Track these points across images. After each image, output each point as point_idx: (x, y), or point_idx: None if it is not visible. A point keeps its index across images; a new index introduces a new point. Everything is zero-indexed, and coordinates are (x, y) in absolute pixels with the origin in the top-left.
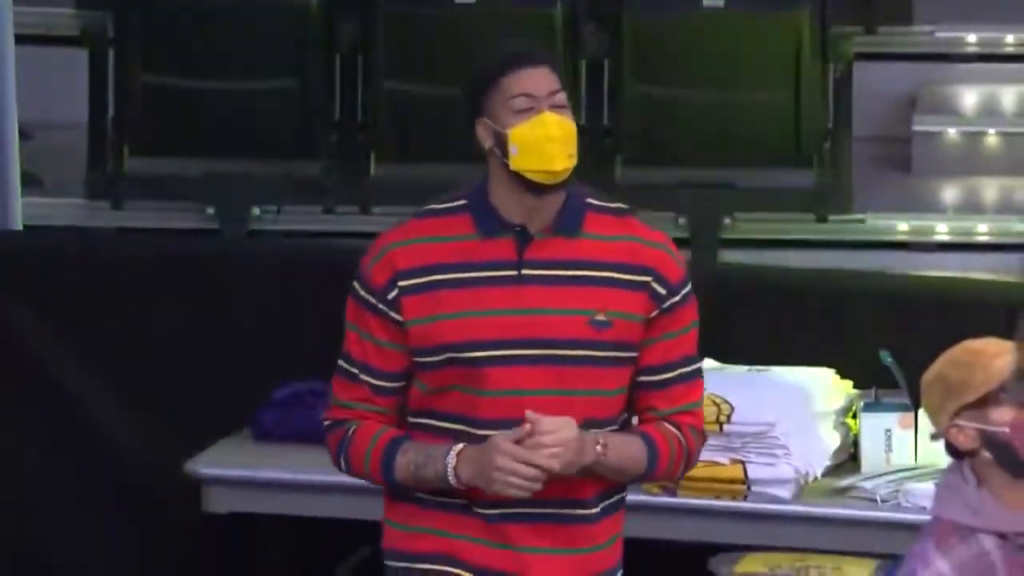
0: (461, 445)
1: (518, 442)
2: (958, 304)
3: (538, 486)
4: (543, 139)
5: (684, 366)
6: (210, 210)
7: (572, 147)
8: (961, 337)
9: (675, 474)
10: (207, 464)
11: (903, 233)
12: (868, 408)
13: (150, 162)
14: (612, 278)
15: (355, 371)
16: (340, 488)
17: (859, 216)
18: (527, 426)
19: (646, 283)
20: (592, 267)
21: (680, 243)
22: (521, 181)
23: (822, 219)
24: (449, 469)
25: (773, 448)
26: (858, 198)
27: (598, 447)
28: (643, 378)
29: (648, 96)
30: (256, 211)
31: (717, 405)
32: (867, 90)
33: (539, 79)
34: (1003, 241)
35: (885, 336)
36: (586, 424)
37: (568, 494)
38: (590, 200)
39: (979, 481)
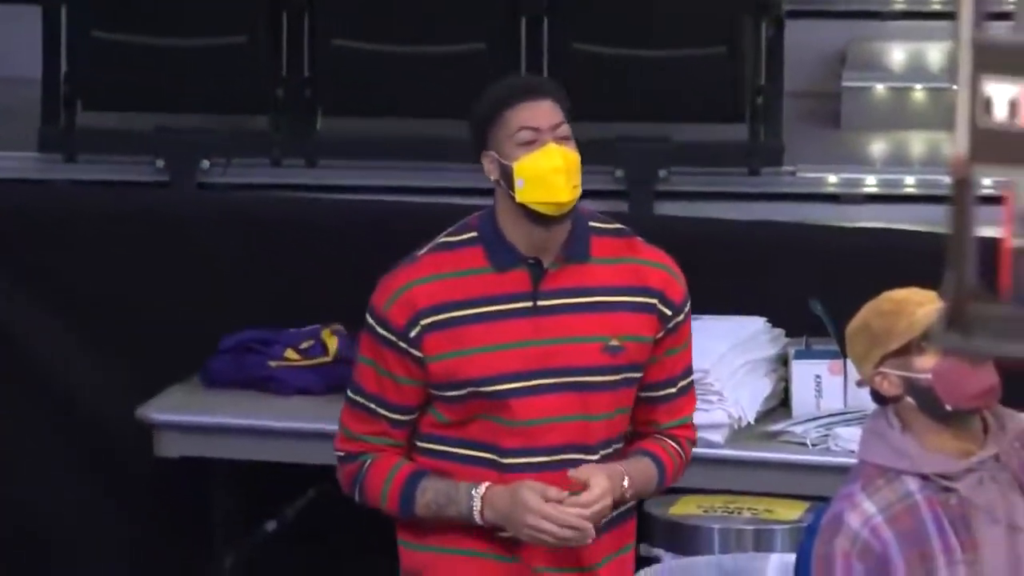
0: (484, 486)
1: (550, 497)
2: (885, 255)
3: (572, 542)
4: (548, 171)
5: (683, 379)
6: (160, 163)
7: (576, 178)
8: (888, 287)
9: (669, 485)
10: (158, 410)
11: (832, 186)
12: (799, 355)
13: (102, 116)
14: (621, 302)
15: (372, 405)
16: (288, 433)
17: (790, 169)
18: (562, 492)
19: (653, 305)
20: (602, 292)
21: (617, 196)
22: (527, 213)
23: (754, 172)
24: (475, 512)
25: (707, 394)
26: (789, 152)
27: (624, 484)
28: (646, 393)
29: (586, 53)
30: (205, 164)
31: None
32: (798, 47)
33: (543, 112)
34: (930, 193)
35: (815, 285)
36: (601, 444)
37: None
38: (592, 224)
39: (903, 426)
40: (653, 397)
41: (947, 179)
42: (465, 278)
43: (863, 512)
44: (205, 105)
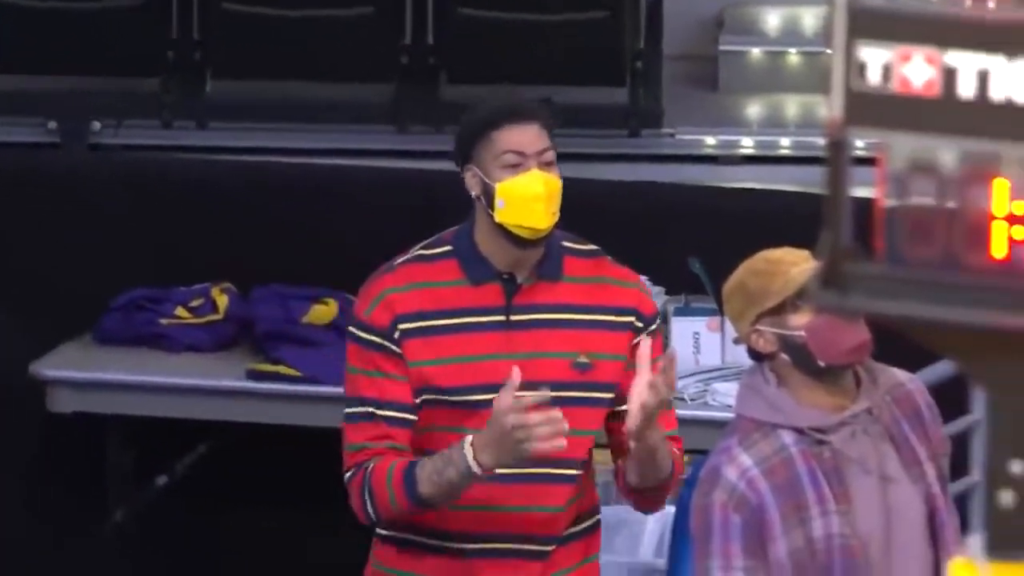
0: (471, 436)
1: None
2: (761, 215)
3: (563, 425)
4: (530, 197)
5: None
6: (51, 124)
7: (556, 205)
8: (763, 246)
9: (668, 494)
10: (51, 366)
11: (710, 148)
12: (678, 312)
13: None
14: (592, 320)
15: (369, 409)
16: (179, 389)
17: (669, 131)
18: (514, 378)
19: (629, 323)
20: (573, 311)
21: None
22: (505, 233)
23: (634, 134)
24: (469, 460)
25: None
26: (668, 115)
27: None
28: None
29: (470, 17)
30: (96, 126)
31: None
32: (676, 12)
33: (529, 136)
34: (805, 155)
35: (694, 245)
36: (563, 464)
37: (539, 530)
38: (565, 243)
39: (778, 381)
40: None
41: (822, 141)
42: (441, 289)
43: (740, 465)
44: (96, 68)
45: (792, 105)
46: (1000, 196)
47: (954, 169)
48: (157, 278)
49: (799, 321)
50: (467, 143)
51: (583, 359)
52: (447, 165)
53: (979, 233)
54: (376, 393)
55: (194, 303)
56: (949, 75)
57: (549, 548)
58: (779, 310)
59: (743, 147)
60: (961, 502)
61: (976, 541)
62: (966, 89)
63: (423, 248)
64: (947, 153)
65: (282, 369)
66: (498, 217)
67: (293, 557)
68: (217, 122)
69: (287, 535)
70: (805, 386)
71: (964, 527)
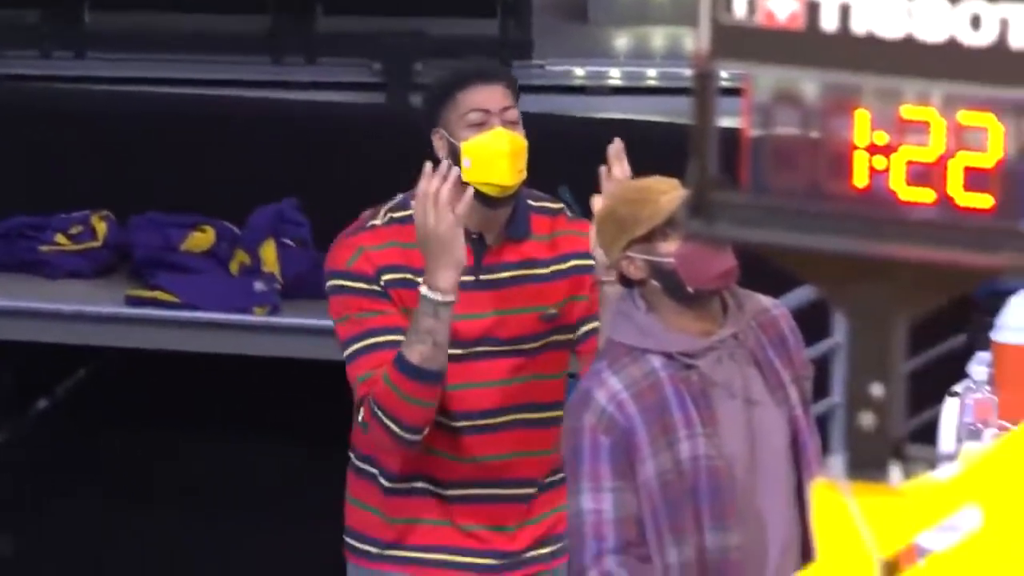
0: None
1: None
2: (630, 145)
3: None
4: (495, 154)
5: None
6: None
7: (522, 162)
8: (632, 175)
9: None
10: None
11: (580, 78)
12: None
13: None
14: (556, 271)
15: (368, 342)
16: (59, 315)
17: (539, 63)
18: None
19: (588, 266)
20: (538, 265)
21: (374, 88)
22: (482, 199)
23: (505, 64)
24: (430, 296)
25: None
26: (538, 46)
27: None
28: (571, 336)
29: None
30: None
31: None
32: None
33: (493, 95)
34: (671, 85)
35: (564, 174)
36: (545, 407)
37: (525, 474)
38: (530, 202)
39: (648, 307)
40: (592, 330)
41: (689, 72)
42: (414, 250)
43: (609, 388)
44: None
45: (659, 37)
46: (861, 127)
47: (817, 100)
48: (37, 206)
49: (668, 248)
50: (433, 107)
51: (552, 311)
52: (323, 96)
53: (841, 163)
54: (369, 327)
55: (73, 230)
56: (812, 8)
57: (531, 491)
58: (649, 237)
59: (612, 78)
60: (822, 423)
61: (837, 461)
62: (829, 22)
63: (391, 211)
64: (810, 84)
65: (160, 295)
66: (465, 176)
67: (170, 475)
68: (95, 52)
69: (165, 455)
70: (674, 312)
71: (825, 448)
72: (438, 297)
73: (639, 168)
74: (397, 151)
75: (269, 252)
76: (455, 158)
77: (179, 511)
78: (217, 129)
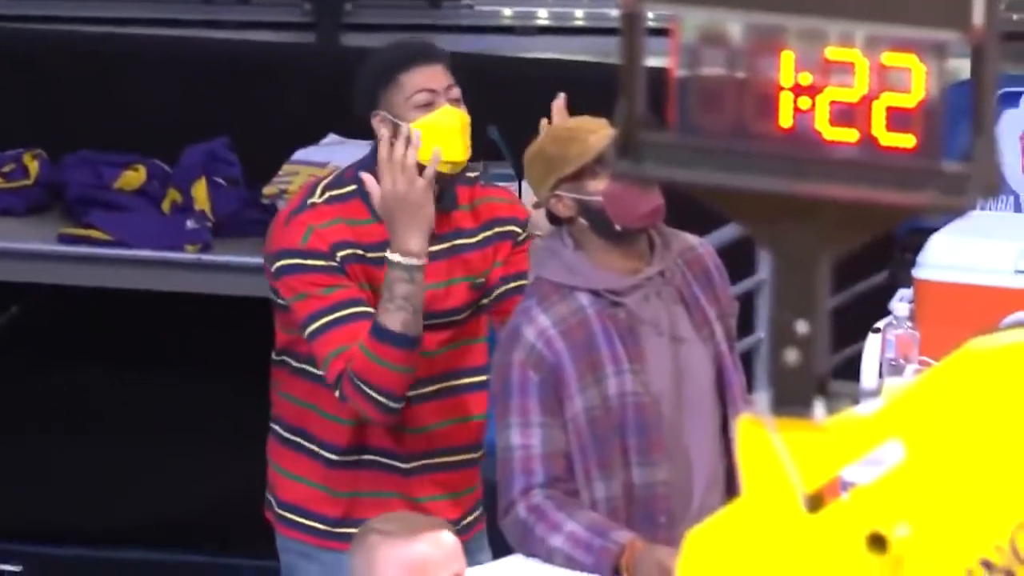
0: (386, 252)
1: None
2: (558, 84)
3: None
4: (447, 131)
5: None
6: None
7: (468, 138)
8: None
9: None
10: None
11: (508, 19)
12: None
13: None
14: (483, 239)
15: (332, 317)
16: None
17: (468, 3)
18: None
19: (510, 232)
20: (467, 235)
21: (305, 28)
22: (421, 171)
23: (435, 5)
24: (403, 261)
25: None
26: None
27: None
28: (487, 300)
29: None
30: None
31: None
32: None
33: (437, 75)
34: (599, 25)
35: (493, 114)
36: (473, 371)
37: (466, 439)
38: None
39: (576, 245)
40: (507, 291)
41: (616, 13)
42: (354, 227)
43: (538, 325)
44: None
45: None
46: (786, 68)
47: (743, 41)
48: None
49: (597, 187)
50: (373, 89)
51: (480, 280)
52: (253, 35)
53: (766, 103)
54: (334, 299)
55: (6, 169)
56: None
57: (476, 456)
58: (578, 176)
59: (540, 18)
60: (747, 360)
61: (762, 398)
62: None
63: (328, 188)
64: (736, 26)
65: (93, 233)
66: (417, 156)
67: (104, 407)
68: None
69: (98, 388)
70: (602, 250)
71: (750, 385)
72: (413, 261)
73: (568, 108)
74: (327, 91)
75: (200, 191)
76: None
77: (114, 441)
78: (149, 68)
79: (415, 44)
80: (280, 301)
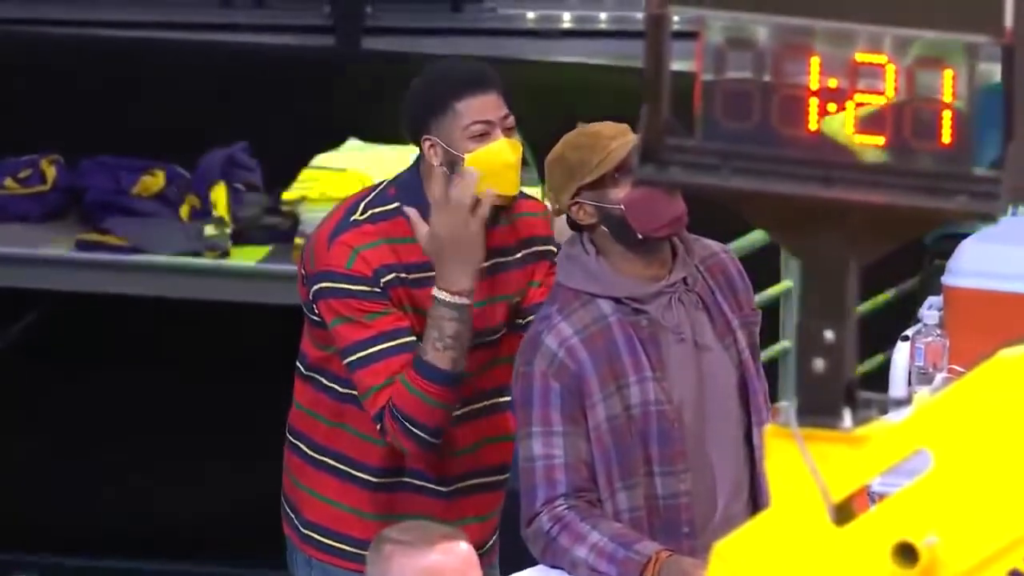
0: (433, 290)
1: None
2: (581, 89)
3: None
4: (502, 166)
5: None
6: None
7: (520, 168)
8: (583, 120)
9: None
10: None
11: (531, 22)
12: None
13: None
14: (521, 258)
15: (379, 347)
16: (9, 259)
17: (491, 5)
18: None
19: (545, 252)
20: (506, 253)
21: (325, 31)
22: (493, 195)
23: (457, 9)
24: (453, 301)
25: None
26: None
27: None
28: (521, 320)
29: None
30: None
31: (363, 182)
32: None
33: (492, 105)
34: (623, 29)
35: (515, 118)
36: (503, 390)
37: (493, 459)
38: None
39: (598, 252)
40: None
41: (641, 15)
42: (398, 245)
43: (560, 333)
44: None
45: None
46: (814, 71)
47: (769, 44)
48: None
49: (618, 194)
50: (425, 115)
51: (516, 298)
52: (272, 39)
53: (794, 107)
54: (379, 328)
55: (22, 174)
56: None
57: (504, 477)
58: (599, 183)
59: (563, 22)
60: (773, 369)
61: (789, 407)
62: None
63: (371, 206)
64: (762, 28)
65: (110, 239)
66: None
67: (120, 414)
68: None
69: (115, 395)
70: (623, 257)
71: (774, 395)
72: (462, 301)
73: (589, 113)
74: (347, 95)
75: (220, 196)
76: (454, 169)
77: (129, 450)
78: (167, 73)
79: (472, 70)
80: (316, 318)
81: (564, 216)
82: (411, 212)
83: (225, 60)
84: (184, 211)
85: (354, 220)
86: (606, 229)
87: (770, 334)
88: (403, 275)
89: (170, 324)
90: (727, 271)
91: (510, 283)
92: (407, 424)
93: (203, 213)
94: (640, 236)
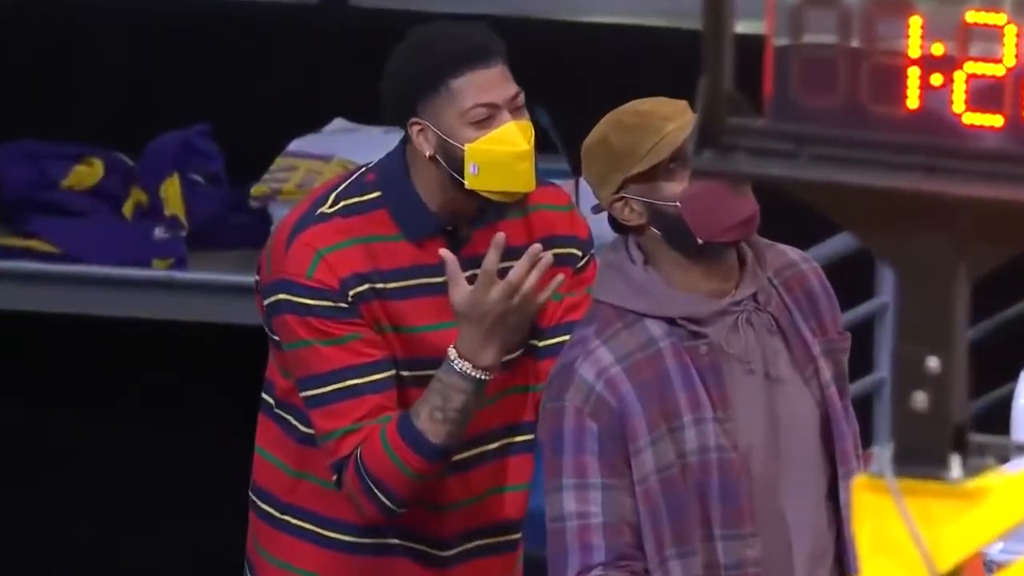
0: (452, 351)
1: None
2: (625, 53)
3: (547, 257)
4: (511, 158)
5: None
6: None
7: (533, 155)
8: (628, 94)
9: None
10: None
11: None
12: None
13: None
14: None
15: (347, 383)
16: None
17: None
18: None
19: (571, 256)
20: (518, 254)
21: None
22: (472, 195)
23: None
24: (470, 372)
25: None
26: None
27: None
28: (538, 342)
29: None
30: None
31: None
32: None
33: (497, 81)
34: None
35: (540, 91)
36: (521, 428)
37: (506, 512)
38: None
39: (646, 260)
40: (548, 347)
41: None
42: (379, 244)
43: (598, 361)
44: None
45: None
46: (915, 35)
47: (858, 1)
48: None
49: (674, 189)
50: (414, 95)
51: None
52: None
53: (889, 80)
54: (349, 359)
55: None
56: None
57: (519, 536)
58: (650, 175)
59: None
60: (865, 405)
61: (883, 452)
62: None
63: (348, 195)
64: None
65: (37, 244)
66: (470, 183)
67: (47, 460)
68: None
69: (41, 431)
70: (679, 267)
71: (867, 436)
72: (483, 376)
73: (637, 86)
74: (331, 64)
75: (172, 191)
76: (452, 161)
77: (62, 494)
78: (106, 37)
79: (470, 37)
80: (276, 338)
81: (605, 214)
82: (447, 255)
83: (179, 20)
84: (128, 209)
85: (321, 213)
86: (658, 232)
87: (861, 363)
88: (379, 286)
89: (111, 350)
90: (808, 285)
91: None
92: (371, 484)
93: (152, 211)
94: (700, 241)
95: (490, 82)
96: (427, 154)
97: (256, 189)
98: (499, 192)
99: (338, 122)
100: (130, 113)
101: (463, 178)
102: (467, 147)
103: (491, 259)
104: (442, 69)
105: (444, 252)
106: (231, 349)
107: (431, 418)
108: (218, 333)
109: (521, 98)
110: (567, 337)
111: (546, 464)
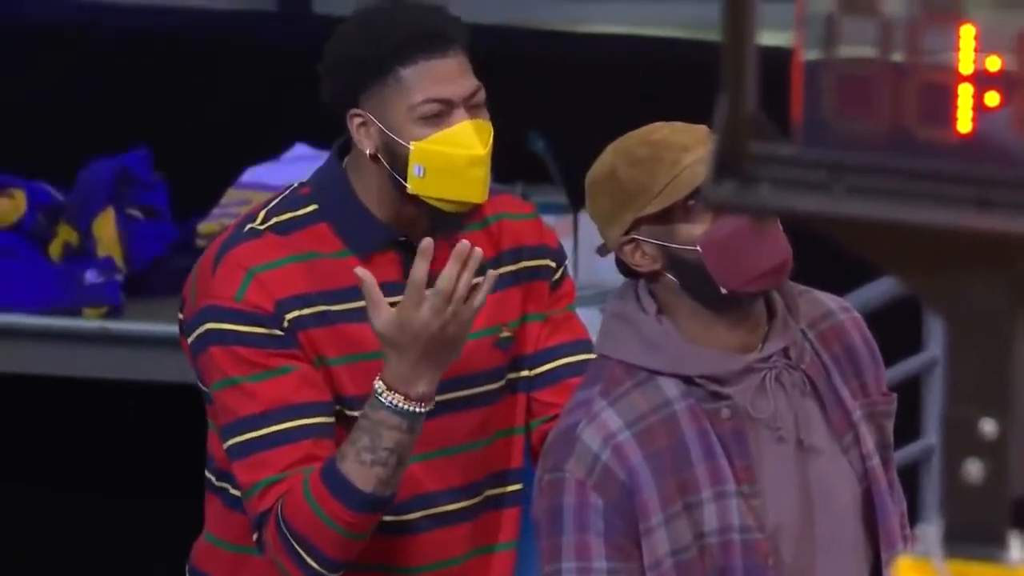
0: (378, 383)
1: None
2: (633, 69)
3: (477, 251)
4: (464, 163)
5: (582, 351)
6: None
7: (488, 167)
8: (639, 117)
9: None
10: None
11: None
12: None
13: None
14: (508, 275)
15: (279, 427)
16: None
17: None
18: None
19: (543, 267)
20: (485, 266)
21: None
22: (416, 201)
23: None
24: (402, 406)
25: None
26: None
27: None
28: (527, 372)
29: None
30: None
31: None
32: None
33: (455, 75)
34: None
35: (534, 112)
36: (505, 478)
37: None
38: None
39: (660, 310)
40: (541, 375)
41: None
42: (320, 261)
43: (604, 426)
44: None
45: None
46: (967, 47)
47: (902, 9)
48: None
49: (693, 231)
50: (356, 82)
51: (505, 333)
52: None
53: (938, 99)
54: (281, 398)
55: None
56: None
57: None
58: (666, 215)
59: None
60: (911, 476)
61: (932, 531)
62: None
63: (282, 209)
64: None
65: None
66: (414, 187)
67: None
68: None
69: None
70: (698, 318)
71: (914, 511)
72: (417, 408)
73: (647, 108)
74: (291, 81)
75: (107, 227)
76: (394, 161)
77: None
78: (27, 47)
79: (426, 21)
80: (206, 389)
81: (612, 257)
82: (364, 274)
83: (115, 32)
84: (55, 249)
85: (252, 229)
86: (674, 279)
87: (907, 427)
88: (323, 308)
89: (36, 413)
90: (847, 339)
91: (493, 311)
92: (295, 545)
93: (83, 252)
94: (724, 291)
95: (446, 74)
96: (368, 152)
97: (204, 227)
98: (445, 200)
99: (300, 148)
100: (57, 136)
101: (406, 180)
102: (413, 146)
103: (418, 269)
104: (391, 54)
105: (360, 271)
106: (173, 413)
107: (358, 460)
108: (158, 393)
109: (481, 95)
110: (557, 363)
111: (543, 545)
